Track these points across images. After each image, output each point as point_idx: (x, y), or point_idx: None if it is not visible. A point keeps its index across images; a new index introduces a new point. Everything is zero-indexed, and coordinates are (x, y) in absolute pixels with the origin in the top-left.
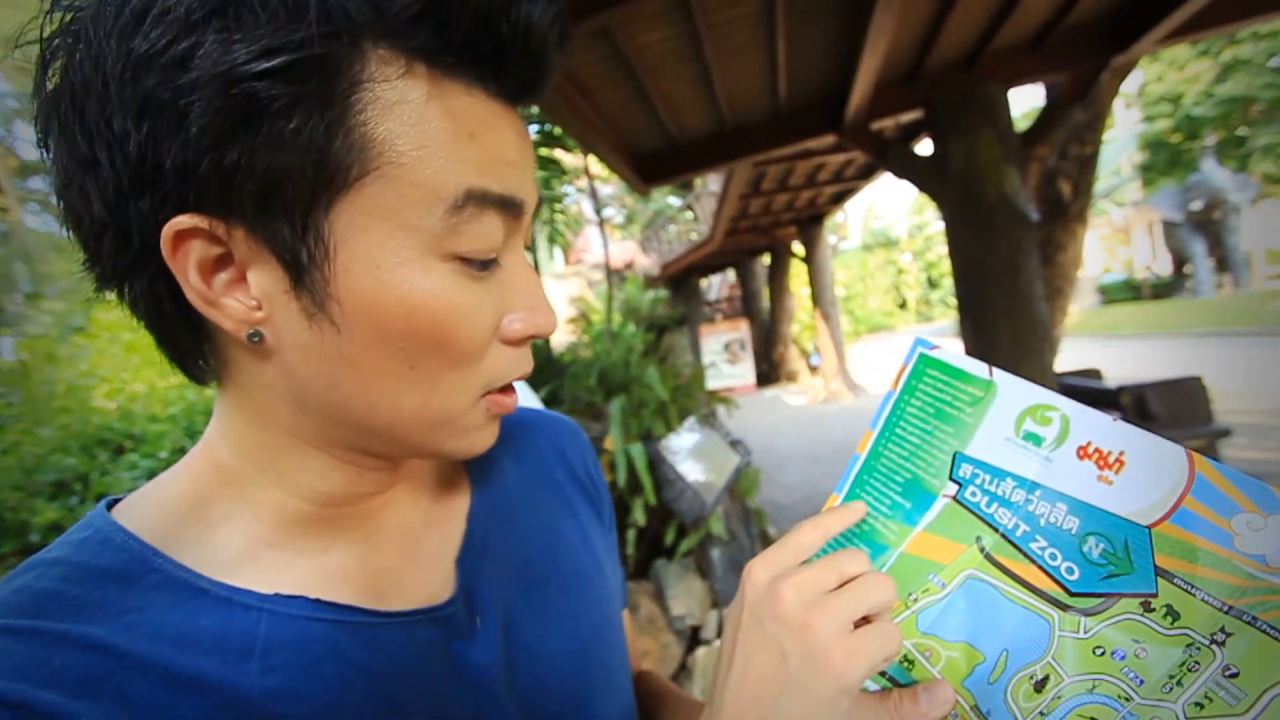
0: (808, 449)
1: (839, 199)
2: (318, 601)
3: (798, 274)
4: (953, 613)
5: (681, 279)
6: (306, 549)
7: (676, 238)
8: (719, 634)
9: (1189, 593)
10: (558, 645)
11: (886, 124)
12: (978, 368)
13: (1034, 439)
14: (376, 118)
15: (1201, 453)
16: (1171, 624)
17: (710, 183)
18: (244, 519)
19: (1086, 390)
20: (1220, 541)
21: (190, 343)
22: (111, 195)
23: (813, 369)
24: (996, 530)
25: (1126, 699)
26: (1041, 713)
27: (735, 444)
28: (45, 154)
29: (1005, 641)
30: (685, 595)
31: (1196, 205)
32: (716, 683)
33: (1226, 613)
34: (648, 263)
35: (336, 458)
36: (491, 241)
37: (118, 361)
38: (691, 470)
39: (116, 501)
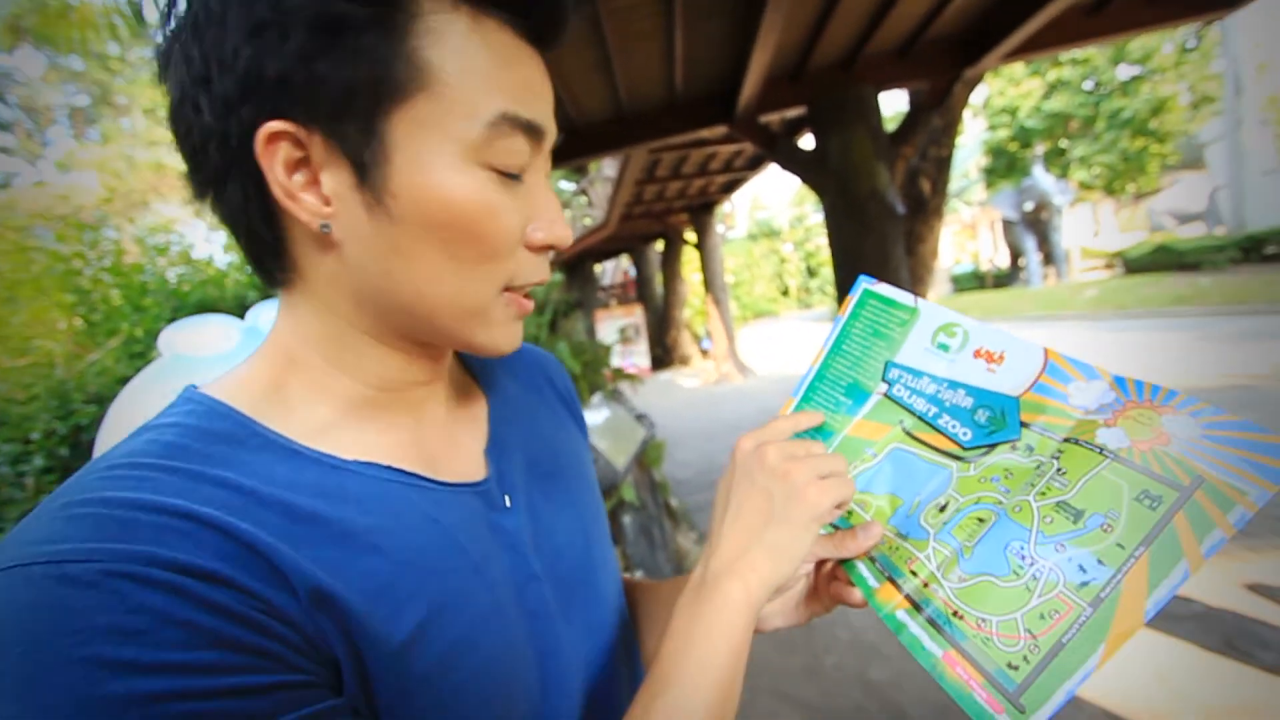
0: (703, 428)
1: (729, 188)
2: (389, 467)
3: (689, 261)
4: (881, 475)
5: (576, 264)
6: (370, 428)
7: (571, 222)
8: None
9: (1040, 433)
10: (566, 526)
11: (774, 118)
12: (905, 296)
13: (944, 347)
14: (429, 44)
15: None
16: (1028, 454)
17: (605, 167)
18: (317, 401)
19: None
20: (1060, 399)
21: (268, 241)
22: (220, 105)
23: (704, 353)
24: (913, 414)
25: (999, 502)
26: (945, 523)
27: (641, 418)
28: (164, 78)
29: (919, 489)
30: None
31: (1029, 206)
32: (714, 524)
33: (1061, 441)
34: None
35: (390, 346)
36: (519, 159)
37: None
38: (601, 441)
39: (198, 390)
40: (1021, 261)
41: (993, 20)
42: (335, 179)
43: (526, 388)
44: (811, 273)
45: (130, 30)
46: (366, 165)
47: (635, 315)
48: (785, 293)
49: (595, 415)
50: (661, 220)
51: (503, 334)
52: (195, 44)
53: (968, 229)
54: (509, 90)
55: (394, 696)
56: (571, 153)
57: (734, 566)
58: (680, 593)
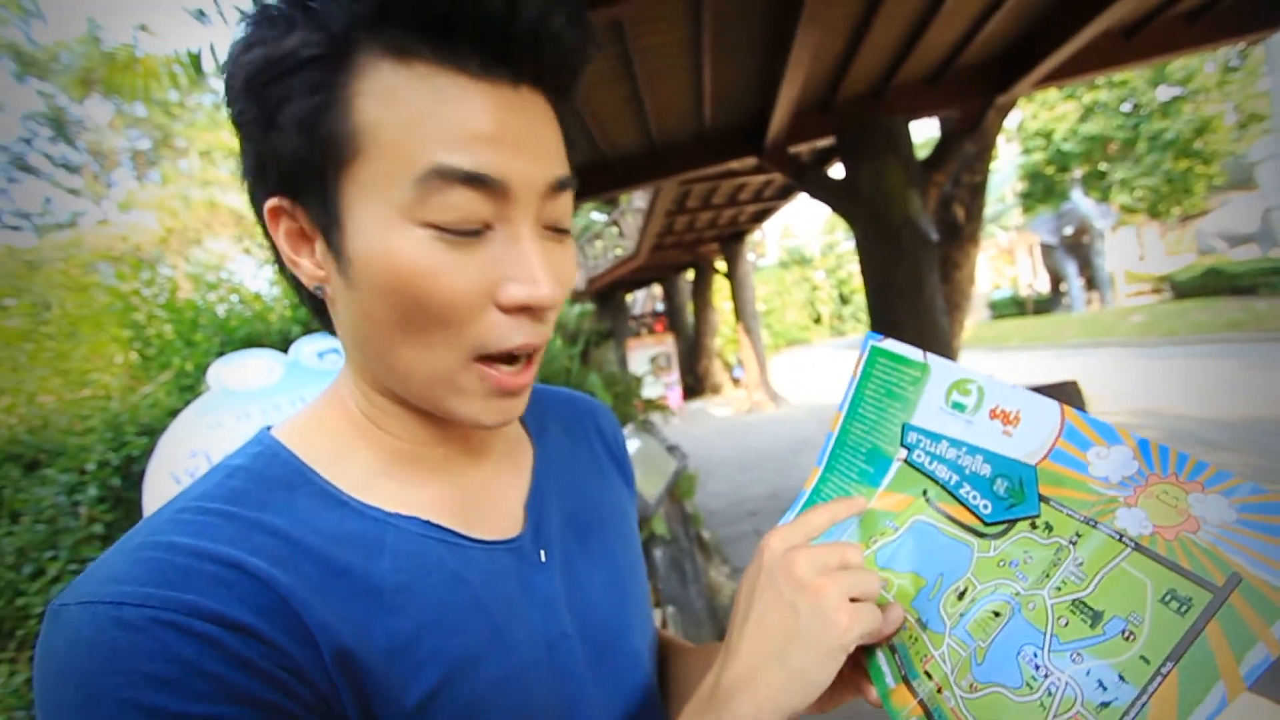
0: (735, 457)
1: (759, 217)
2: (426, 522)
3: (720, 289)
4: (903, 550)
5: (608, 294)
6: (412, 481)
7: (602, 253)
8: (664, 626)
9: (1058, 510)
10: (602, 583)
11: (803, 149)
12: (914, 353)
13: (959, 406)
14: (362, 105)
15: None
16: (1047, 534)
17: (636, 199)
18: (366, 452)
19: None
20: (1079, 469)
21: (313, 302)
22: (247, 183)
23: (736, 381)
24: (936, 482)
25: (1016, 593)
26: (961, 614)
27: (672, 449)
28: None
29: (940, 567)
30: None
31: (1068, 230)
32: (732, 630)
33: (1081, 521)
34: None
35: (403, 406)
36: (466, 213)
37: (20, 373)
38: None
39: (272, 427)
40: (1063, 286)
41: (1025, 46)
42: (320, 246)
43: (575, 439)
44: (844, 300)
45: (189, 79)
46: (329, 232)
47: (667, 344)
48: (817, 320)
49: (627, 447)
50: (692, 250)
51: (482, 408)
52: (238, 142)
53: (1005, 254)
54: (442, 140)
55: None
56: (602, 186)
57: (748, 684)
58: (707, 661)
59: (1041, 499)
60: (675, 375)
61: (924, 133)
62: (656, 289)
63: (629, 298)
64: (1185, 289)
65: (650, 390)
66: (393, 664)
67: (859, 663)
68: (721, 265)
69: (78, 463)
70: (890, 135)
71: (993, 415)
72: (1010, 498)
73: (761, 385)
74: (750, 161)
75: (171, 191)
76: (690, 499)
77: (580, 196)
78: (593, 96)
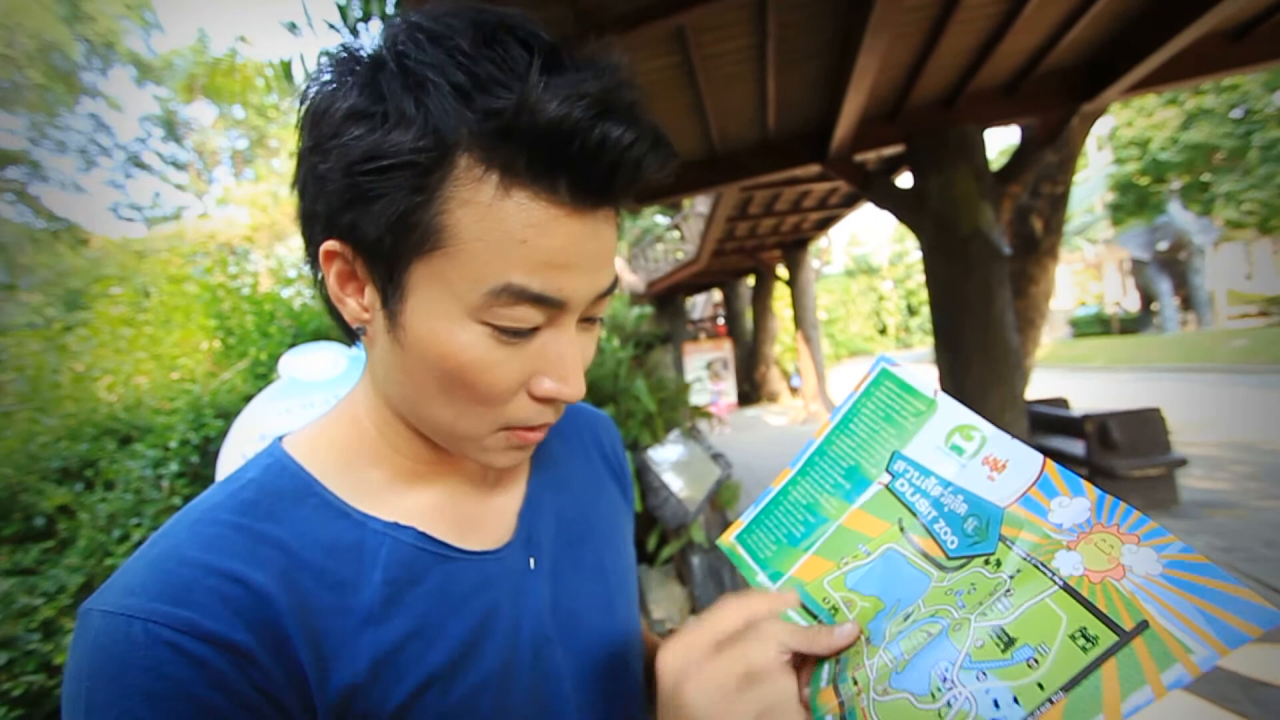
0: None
1: (823, 225)
2: (422, 534)
3: (781, 296)
4: (872, 575)
5: (667, 297)
6: (412, 491)
7: (663, 256)
8: None
9: (1009, 548)
10: (590, 591)
11: (869, 156)
12: (925, 387)
13: (957, 450)
14: (451, 209)
15: (1158, 480)
16: (995, 570)
17: (698, 204)
18: (371, 464)
19: (1054, 418)
20: (1039, 514)
21: (344, 323)
22: (303, 222)
23: (793, 390)
24: (913, 513)
25: (949, 615)
26: (900, 632)
27: (717, 457)
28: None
29: (899, 594)
30: (666, 600)
31: (1163, 245)
32: None
33: (1023, 558)
34: (634, 280)
35: (414, 432)
36: (525, 322)
37: (121, 356)
38: (675, 480)
39: (284, 437)
40: (1154, 305)
41: (1115, 51)
42: (370, 294)
43: (572, 449)
44: (912, 311)
45: (279, 85)
46: (389, 296)
47: (724, 349)
48: (883, 331)
49: (670, 453)
50: (753, 256)
51: (500, 458)
52: (298, 166)
53: (1092, 269)
54: (522, 263)
55: None
56: (663, 192)
57: None
58: None
59: (1001, 539)
60: (726, 383)
61: (1003, 140)
62: (717, 294)
63: (688, 302)
64: None
65: (699, 397)
66: (378, 673)
67: (801, 665)
68: (783, 272)
69: (163, 440)
70: (962, 144)
71: (984, 462)
72: (975, 535)
73: (819, 395)
74: (814, 168)
75: (263, 189)
76: (732, 508)
77: (641, 200)
78: (655, 103)
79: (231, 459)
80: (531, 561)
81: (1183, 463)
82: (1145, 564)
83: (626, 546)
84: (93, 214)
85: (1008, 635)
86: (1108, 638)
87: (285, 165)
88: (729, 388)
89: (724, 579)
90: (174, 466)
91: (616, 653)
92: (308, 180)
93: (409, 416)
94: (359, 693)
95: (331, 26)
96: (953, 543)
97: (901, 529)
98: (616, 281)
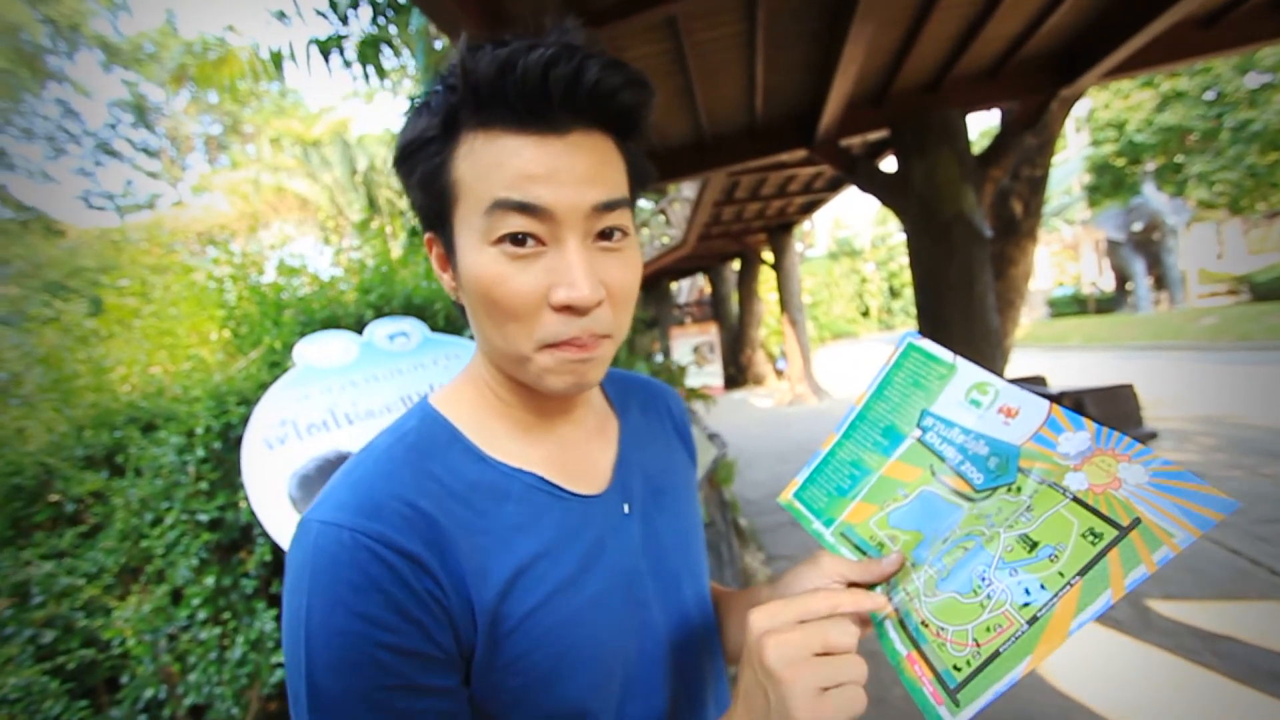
0: (775, 448)
1: (808, 209)
2: (541, 478)
3: (766, 280)
4: (911, 513)
5: (653, 282)
6: (529, 441)
7: (649, 241)
8: None
9: (1027, 476)
10: (671, 532)
11: (854, 141)
12: (946, 354)
13: (975, 403)
14: (459, 164)
15: (1112, 429)
16: (1016, 494)
17: (684, 188)
18: (498, 419)
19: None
20: (1049, 447)
21: (454, 300)
22: (420, 219)
23: (779, 373)
24: (942, 459)
25: (982, 534)
26: (940, 551)
27: (713, 437)
28: None
29: (937, 526)
30: None
31: (1138, 226)
32: (734, 693)
33: (1039, 482)
34: None
35: (515, 381)
36: (516, 229)
37: (133, 346)
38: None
39: (429, 394)
40: (1129, 285)
41: (1093, 37)
42: (453, 265)
43: (650, 417)
44: (894, 293)
45: (267, 73)
46: (451, 256)
47: (710, 333)
48: (865, 313)
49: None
50: (739, 240)
51: (556, 380)
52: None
53: (1069, 249)
54: (501, 182)
55: (522, 647)
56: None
57: None
58: (749, 599)
59: (1020, 470)
60: (718, 365)
61: (983, 124)
62: (702, 278)
63: (674, 286)
64: (1265, 290)
65: (693, 380)
66: (516, 582)
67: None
68: (768, 256)
69: (186, 427)
70: (945, 128)
71: (999, 410)
72: (998, 471)
73: (804, 377)
74: (800, 153)
75: (242, 176)
76: (729, 485)
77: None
78: None
79: (254, 445)
80: (626, 507)
81: (1153, 436)
82: (1136, 475)
83: (694, 499)
84: (62, 203)
85: (1031, 540)
86: (1110, 533)
87: (264, 153)
88: (716, 371)
89: (722, 553)
90: (199, 452)
91: (695, 586)
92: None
93: (497, 359)
94: (505, 595)
95: (320, 14)
96: (978, 479)
97: (933, 472)
98: (624, 201)
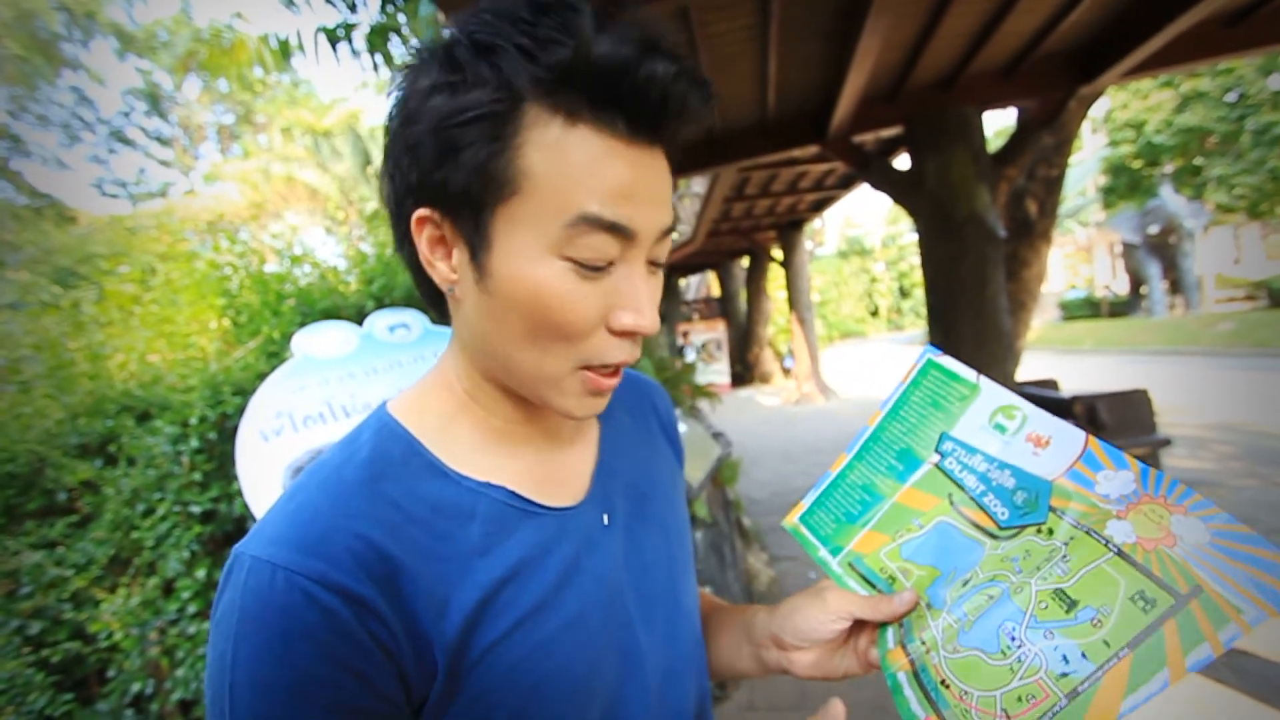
0: (781, 447)
1: (819, 206)
2: (511, 492)
3: (775, 278)
4: (926, 545)
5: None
6: (500, 453)
7: None
8: None
9: (1061, 518)
10: (654, 545)
11: (867, 138)
12: (968, 373)
13: (1000, 428)
14: (527, 152)
15: (1143, 459)
16: (1048, 538)
17: (693, 184)
18: (465, 428)
19: (1043, 400)
20: (1086, 486)
21: (431, 291)
22: (396, 194)
23: (786, 371)
24: (962, 489)
25: (1007, 580)
26: (961, 596)
27: (717, 435)
28: (381, 170)
29: (955, 562)
30: None
31: (1153, 229)
32: None
33: (1076, 527)
34: None
35: (501, 389)
36: (600, 253)
37: (132, 334)
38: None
39: (385, 403)
40: (1144, 289)
41: (1113, 35)
42: (459, 255)
43: (634, 416)
44: (904, 293)
45: (276, 62)
46: (476, 248)
47: (718, 330)
48: (875, 313)
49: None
50: (748, 237)
51: (577, 404)
52: (387, 154)
53: (1083, 252)
54: (595, 193)
55: (487, 682)
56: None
57: None
58: (743, 619)
59: (1051, 510)
60: (725, 362)
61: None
62: (710, 275)
63: (683, 282)
64: None
65: (701, 376)
66: (482, 611)
67: (860, 631)
68: (778, 253)
69: (181, 417)
70: (960, 126)
71: (1027, 438)
72: (1025, 507)
73: (812, 377)
74: (812, 150)
75: (253, 165)
76: (733, 485)
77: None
78: None
79: (249, 436)
80: (605, 518)
81: (1167, 443)
82: (1195, 533)
83: (681, 505)
84: (76, 190)
85: (1069, 597)
86: (1165, 600)
87: (276, 142)
88: (723, 369)
89: (725, 554)
90: (193, 443)
91: (680, 601)
92: (400, 156)
93: (496, 368)
94: (470, 627)
95: (330, 2)
96: (1003, 514)
97: (951, 503)
98: (676, 221)
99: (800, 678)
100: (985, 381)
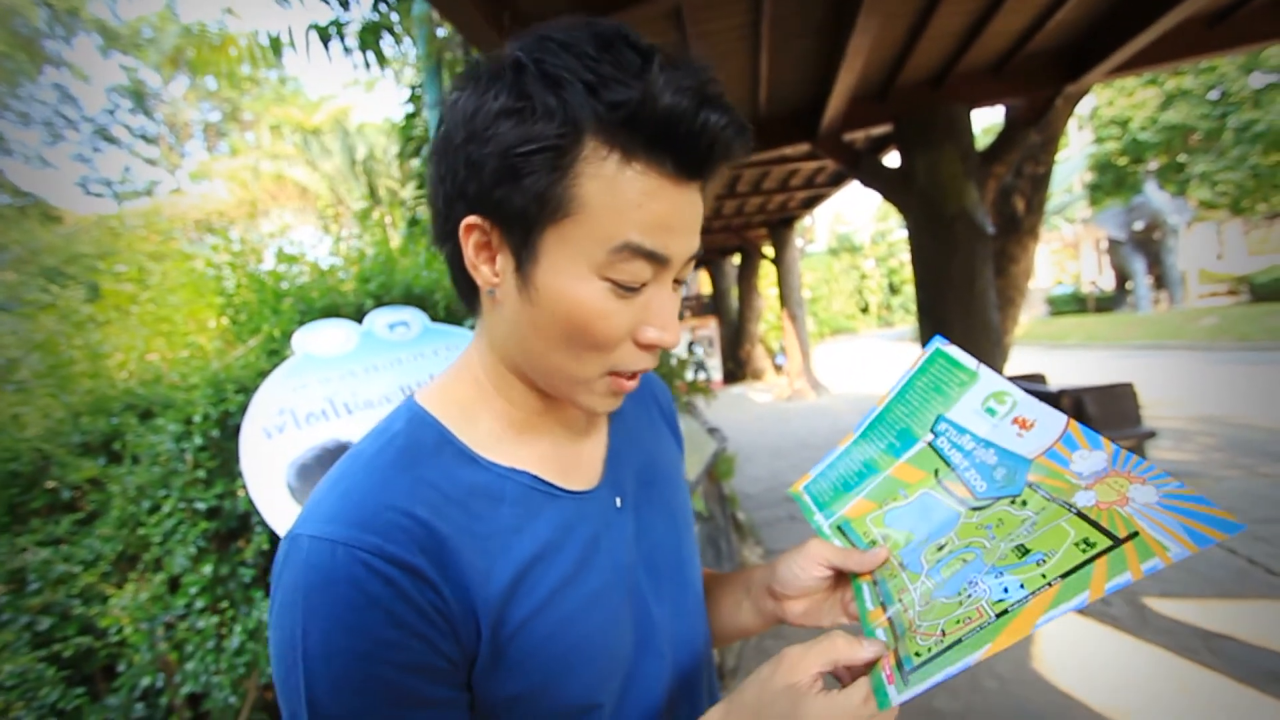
0: (773, 443)
1: (809, 204)
2: (535, 477)
3: (766, 275)
4: (907, 513)
5: None
6: (522, 440)
7: None
8: None
9: (1035, 491)
10: (662, 525)
11: (858, 136)
12: (970, 362)
13: (991, 411)
14: (583, 182)
15: (1130, 450)
16: (1021, 508)
17: None
18: (490, 417)
19: (1032, 393)
20: (1061, 464)
21: (467, 287)
22: (446, 200)
23: (778, 368)
24: (948, 465)
25: (984, 547)
26: (938, 561)
27: (713, 431)
28: (428, 169)
29: (931, 528)
30: None
31: (1138, 225)
32: (733, 703)
33: (1046, 499)
34: None
35: (527, 385)
36: (637, 277)
37: (130, 333)
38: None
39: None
40: (1129, 284)
41: (1099, 34)
42: (503, 261)
43: (639, 407)
44: (894, 290)
45: (266, 60)
46: (523, 260)
47: (709, 328)
48: (865, 310)
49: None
50: (739, 234)
51: (600, 402)
52: (440, 157)
53: (1069, 248)
54: (639, 224)
55: (526, 648)
56: None
57: None
58: (742, 578)
59: (1028, 484)
60: (717, 359)
61: (987, 120)
62: (701, 272)
63: None
64: (1265, 291)
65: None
66: (516, 585)
67: (844, 584)
68: (769, 250)
69: (184, 414)
70: (949, 124)
71: (1014, 421)
72: (1003, 482)
73: (803, 373)
74: (803, 147)
75: (242, 163)
76: (728, 480)
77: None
78: None
79: (252, 433)
80: (618, 500)
81: (1152, 435)
82: (1145, 495)
83: (684, 489)
84: (60, 189)
85: (1025, 548)
86: (1104, 543)
87: (264, 140)
88: (715, 366)
89: (720, 547)
90: (197, 440)
91: (687, 575)
92: (458, 167)
93: (528, 368)
94: (508, 598)
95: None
96: (981, 486)
97: (936, 476)
98: (701, 247)
99: (794, 625)
100: (984, 370)
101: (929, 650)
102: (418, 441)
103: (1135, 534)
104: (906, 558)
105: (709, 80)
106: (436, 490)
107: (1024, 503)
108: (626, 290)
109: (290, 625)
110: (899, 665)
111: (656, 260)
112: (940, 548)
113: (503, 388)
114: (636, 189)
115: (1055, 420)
